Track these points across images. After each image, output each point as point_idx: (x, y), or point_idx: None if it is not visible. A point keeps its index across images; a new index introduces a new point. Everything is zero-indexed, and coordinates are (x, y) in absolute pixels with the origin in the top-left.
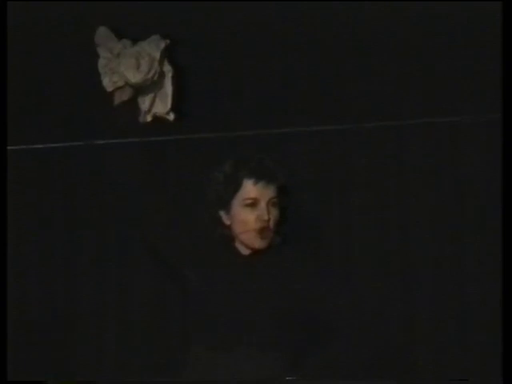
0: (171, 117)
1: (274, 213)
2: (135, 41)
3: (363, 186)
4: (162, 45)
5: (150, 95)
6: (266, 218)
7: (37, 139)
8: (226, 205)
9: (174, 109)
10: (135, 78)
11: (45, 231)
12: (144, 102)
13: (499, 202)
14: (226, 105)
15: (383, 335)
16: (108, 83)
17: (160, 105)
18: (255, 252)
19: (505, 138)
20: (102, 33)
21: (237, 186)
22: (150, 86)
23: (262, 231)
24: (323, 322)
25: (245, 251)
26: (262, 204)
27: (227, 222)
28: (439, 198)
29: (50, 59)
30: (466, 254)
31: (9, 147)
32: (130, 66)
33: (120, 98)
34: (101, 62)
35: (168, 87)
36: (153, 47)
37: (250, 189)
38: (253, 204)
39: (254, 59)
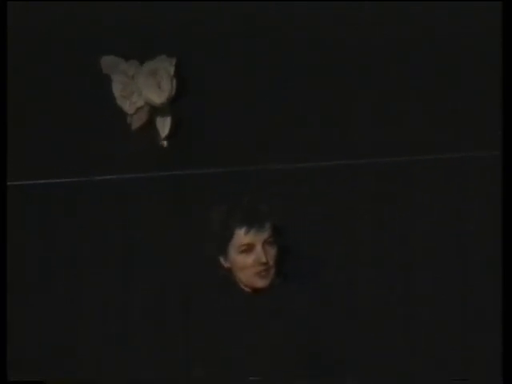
0: (165, 144)
1: (272, 252)
2: (141, 61)
3: (365, 221)
4: (173, 61)
5: (168, 116)
6: (263, 260)
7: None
8: (223, 251)
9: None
10: (160, 98)
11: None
12: (163, 124)
13: (499, 238)
14: (225, 139)
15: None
16: (128, 107)
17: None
18: (256, 291)
19: (504, 174)
20: (108, 60)
21: (230, 234)
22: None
23: (261, 272)
24: (325, 359)
25: (247, 290)
26: (258, 247)
27: (226, 265)
28: (442, 234)
29: (52, 86)
30: (467, 276)
31: (9, 183)
32: (151, 87)
33: (139, 119)
34: (116, 87)
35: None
36: (166, 64)
37: (242, 237)
38: (248, 250)
39: (258, 92)
